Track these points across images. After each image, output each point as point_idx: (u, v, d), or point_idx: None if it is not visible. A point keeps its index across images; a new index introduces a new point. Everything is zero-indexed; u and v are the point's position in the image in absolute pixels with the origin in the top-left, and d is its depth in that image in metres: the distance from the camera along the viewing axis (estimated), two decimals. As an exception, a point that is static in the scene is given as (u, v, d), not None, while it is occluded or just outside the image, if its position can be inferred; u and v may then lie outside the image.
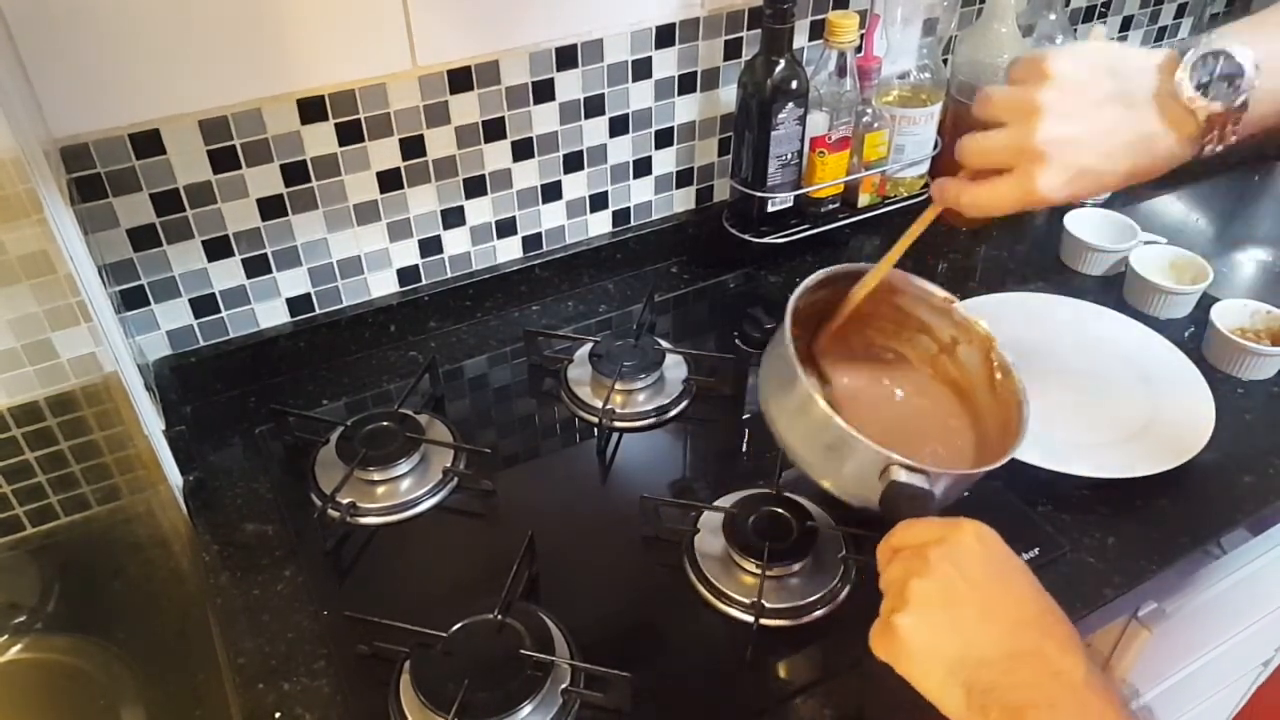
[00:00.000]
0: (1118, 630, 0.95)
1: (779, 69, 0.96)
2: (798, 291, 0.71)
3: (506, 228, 1.03)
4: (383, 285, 1.00)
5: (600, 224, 1.09)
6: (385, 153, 0.91)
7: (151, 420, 0.80)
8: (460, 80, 0.91)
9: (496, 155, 0.97)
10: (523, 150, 0.98)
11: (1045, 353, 0.96)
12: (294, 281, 0.95)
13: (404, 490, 0.83)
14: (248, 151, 0.85)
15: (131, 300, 0.88)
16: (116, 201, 0.82)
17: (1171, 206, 1.30)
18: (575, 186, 1.04)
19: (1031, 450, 0.81)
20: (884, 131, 1.06)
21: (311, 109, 0.85)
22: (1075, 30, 1.23)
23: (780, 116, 0.98)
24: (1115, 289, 1.07)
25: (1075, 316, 1.02)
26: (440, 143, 0.93)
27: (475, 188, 0.98)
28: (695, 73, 1.03)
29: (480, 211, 1.00)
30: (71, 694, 0.86)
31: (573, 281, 1.09)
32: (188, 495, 0.84)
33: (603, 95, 0.99)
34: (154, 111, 0.80)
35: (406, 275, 1.00)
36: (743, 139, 1.03)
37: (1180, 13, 1.39)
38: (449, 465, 0.85)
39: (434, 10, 0.85)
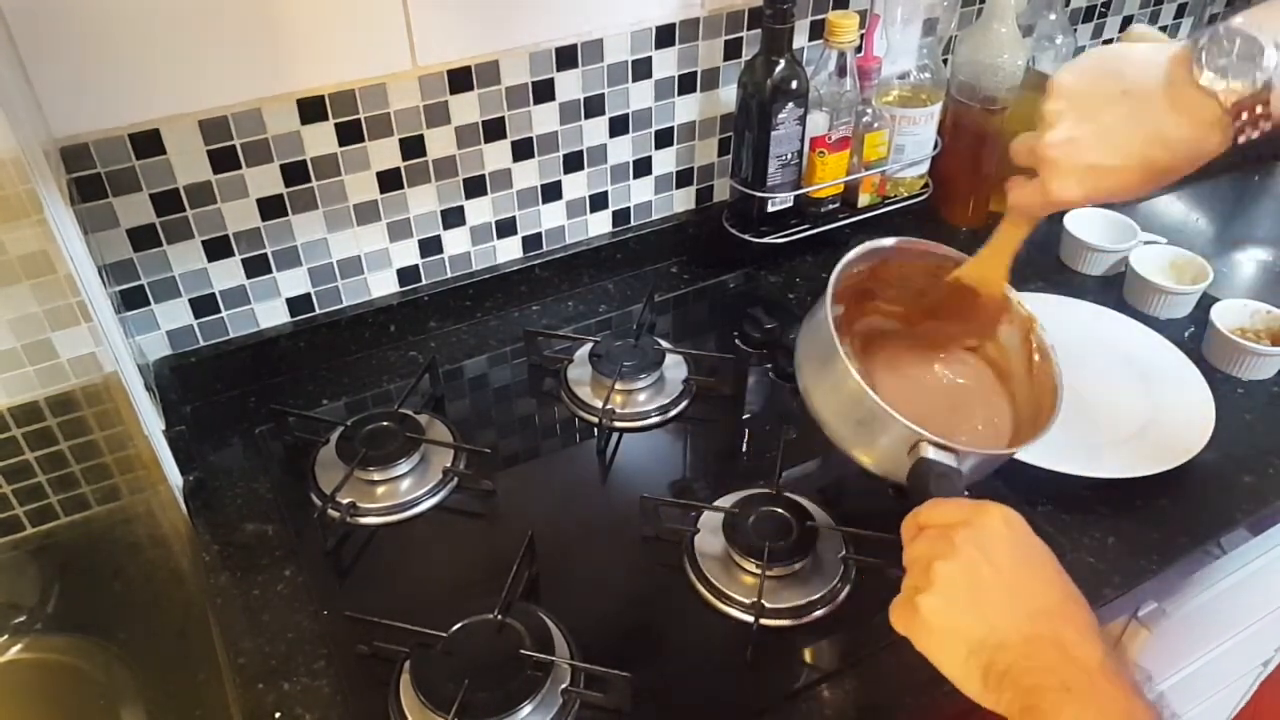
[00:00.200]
0: (1118, 630, 0.95)
1: (779, 69, 0.96)
2: (841, 264, 0.71)
3: (506, 228, 1.03)
4: (383, 285, 1.00)
5: (600, 224, 1.09)
6: (385, 153, 0.91)
7: (151, 420, 0.80)
8: (460, 80, 0.91)
9: (496, 155, 0.97)
10: (523, 150, 0.98)
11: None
12: (294, 281, 0.95)
13: (404, 490, 0.83)
14: (248, 151, 0.85)
15: (131, 300, 0.88)
16: (116, 201, 0.82)
17: (1171, 206, 1.30)
18: (575, 186, 1.04)
19: (1031, 450, 0.81)
20: (884, 131, 1.06)
21: (312, 109, 0.85)
22: (1075, 30, 1.23)
23: (780, 116, 0.98)
24: (1115, 289, 1.07)
25: (1075, 317, 1.02)
26: (440, 143, 0.93)
27: (475, 188, 0.98)
28: (695, 73, 1.03)
29: (480, 211, 1.00)
30: (71, 694, 0.86)
31: (573, 281, 1.09)
32: (188, 495, 0.84)
33: (603, 95, 0.99)
34: (154, 111, 0.80)
35: (406, 275, 1.00)
36: (743, 139, 1.03)
37: (1180, 13, 1.39)
38: (449, 465, 0.85)
39: (434, 10, 0.85)
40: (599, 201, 1.07)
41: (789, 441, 0.85)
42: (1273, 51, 0.56)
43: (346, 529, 0.81)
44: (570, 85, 0.97)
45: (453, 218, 0.99)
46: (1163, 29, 1.40)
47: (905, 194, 1.14)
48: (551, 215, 1.05)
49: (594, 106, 0.99)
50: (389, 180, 0.93)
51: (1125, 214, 1.11)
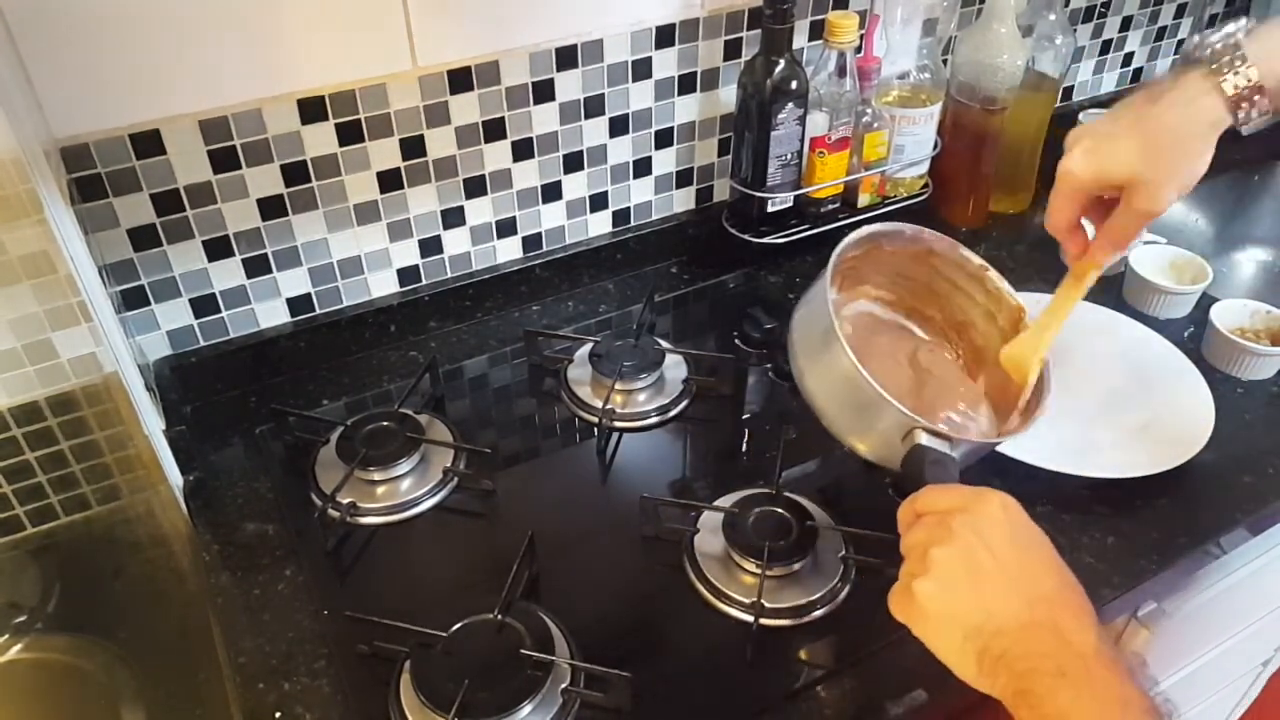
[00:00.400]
0: (1117, 630, 0.95)
1: (779, 69, 0.96)
2: (839, 248, 0.71)
3: (506, 228, 1.03)
4: (383, 285, 1.00)
5: (600, 224, 1.09)
6: (385, 153, 0.91)
7: (152, 420, 0.80)
8: (460, 80, 0.91)
9: (496, 155, 0.97)
10: (523, 150, 0.98)
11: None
12: (294, 281, 0.95)
13: (404, 490, 0.83)
14: (248, 151, 0.85)
15: (132, 300, 0.88)
16: (117, 201, 0.82)
17: (1171, 206, 1.30)
18: (575, 187, 1.04)
19: (1031, 450, 0.82)
20: (884, 132, 1.06)
21: (312, 109, 0.85)
22: (1075, 30, 1.23)
23: (780, 117, 0.98)
24: (1114, 289, 1.07)
25: (1074, 316, 1.01)
26: (440, 143, 0.93)
27: (475, 188, 0.98)
28: (695, 73, 1.03)
29: (480, 211, 1.00)
30: (72, 694, 0.86)
31: (573, 281, 1.09)
32: (188, 495, 0.84)
33: (603, 95, 0.99)
34: (154, 112, 0.80)
35: (407, 275, 1.01)
36: (742, 139, 1.03)
37: (1180, 13, 1.39)
38: (449, 465, 0.85)
39: (434, 11, 0.85)
40: (599, 202, 1.07)
41: (789, 441, 0.85)
42: (1244, 36, 0.63)
43: (347, 529, 0.81)
44: (570, 85, 0.97)
45: (453, 218, 0.99)
46: (1162, 29, 1.40)
47: (905, 194, 1.14)
48: (551, 215, 1.05)
49: (594, 107, 0.99)
50: (389, 180, 0.93)
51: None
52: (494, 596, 0.70)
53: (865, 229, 0.73)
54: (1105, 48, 1.36)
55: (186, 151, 0.83)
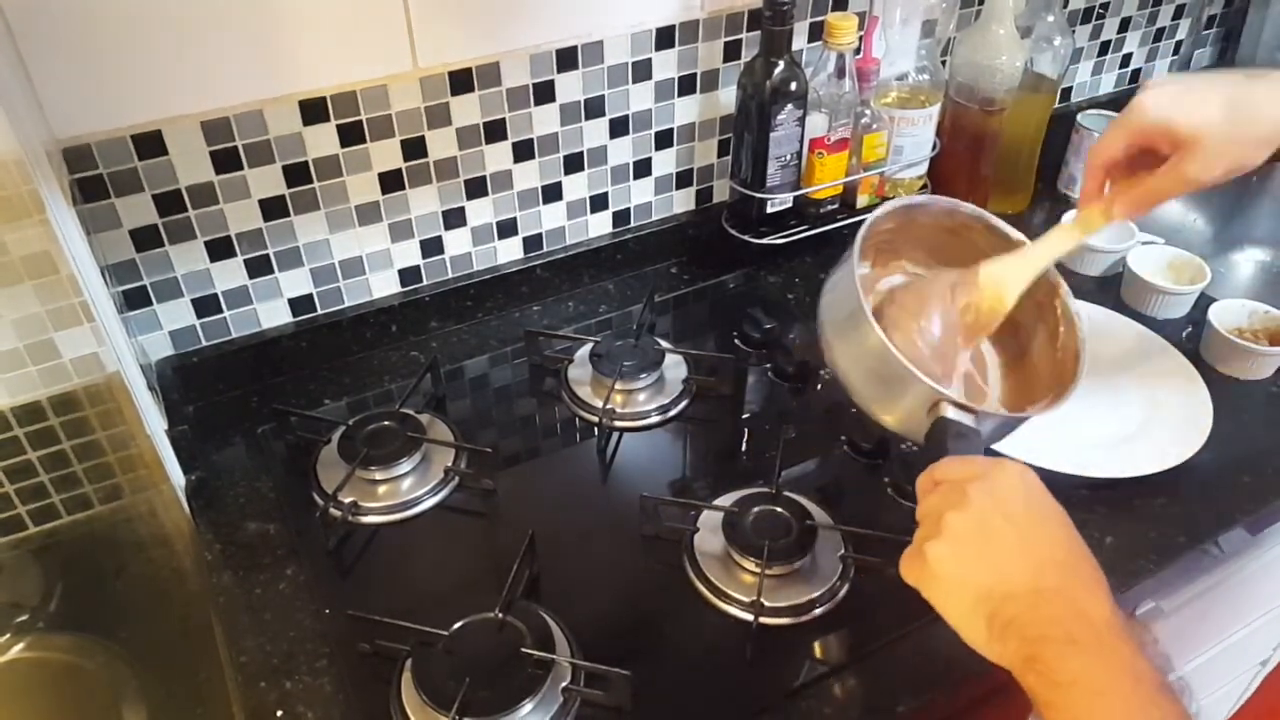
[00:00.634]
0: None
1: (778, 70, 0.97)
2: (870, 220, 0.70)
3: (507, 228, 1.03)
4: (384, 285, 1.00)
5: (600, 225, 1.09)
6: (387, 154, 0.92)
7: (154, 420, 0.80)
8: (461, 82, 0.91)
9: (497, 156, 0.98)
10: (523, 151, 0.99)
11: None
12: (296, 282, 0.95)
13: (405, 489, 0.84)
14: (250, 152, 0.85)
15: (134, 300, 0.88)
16: (119, 202, 0.83)
17: (1170, 206, 1.30)
18: (576, 187, 1.05)
19: (1030, 450, 0.82)
20: (883, 133, 1.06)
21: (313, 110, 0.86)
22: (1073, 32, 1.23)
23: (779, 118, 0.99)
24: (1113, 289, 1.07)
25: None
26: (441, 144, 0.94)
27: (476, 189, 0.99)
28: (695, 74, 1.03)
29: (481, 212, 1.01)
30: (73, 693, 0.86)
31: (573, 282, 1.09)
32: (190, 494, 0.84)
33: (603, 97, 0.99)
34: (156, 112, 0.80)
35: (408, 275, 1.01)
36: (742, 140, 1.03)
37: (1178, 14, 1.39)
38: (450, 465, 0.85)
39: (435, 12, 0.86)
40: (599, 202, 1.07)
41: (788, 441, 0.86)
42: None
43: (348, 528, 0.81)
44: (571, 87, 0.97)
45: (454, 218, 0.99)
46: (1160, 30, 1.40)
47: (904, 195, 1.14)
48: (552, 216, 1.05)
49: (594, 108, 1.00)
50: (390, 181, 0.93)
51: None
52: (495, 595, 0.70)
53: (898, 200, 0.73)
54: (1104, 49, 1.37)
55: (188, 152, 0.83)
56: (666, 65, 1.01)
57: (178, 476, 0.84)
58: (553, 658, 0.67)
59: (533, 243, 1.06)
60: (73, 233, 0.71)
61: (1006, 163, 1.18)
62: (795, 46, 1.03)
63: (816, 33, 1.08)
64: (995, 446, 0.77)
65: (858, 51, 1.02)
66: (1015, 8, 1.08)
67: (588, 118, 1.00)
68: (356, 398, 0.96)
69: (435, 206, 0.97)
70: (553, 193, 1.03)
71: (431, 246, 1.00)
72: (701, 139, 1.09)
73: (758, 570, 0.74)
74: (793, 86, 0.98)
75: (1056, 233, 0.71)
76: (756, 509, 0.78)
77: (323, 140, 0.88)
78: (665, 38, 0.99)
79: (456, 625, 0.69)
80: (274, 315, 0.96)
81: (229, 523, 0.82)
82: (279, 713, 0.68)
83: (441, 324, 1.04)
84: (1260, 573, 1.01)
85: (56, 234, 0.68)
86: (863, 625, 0.73)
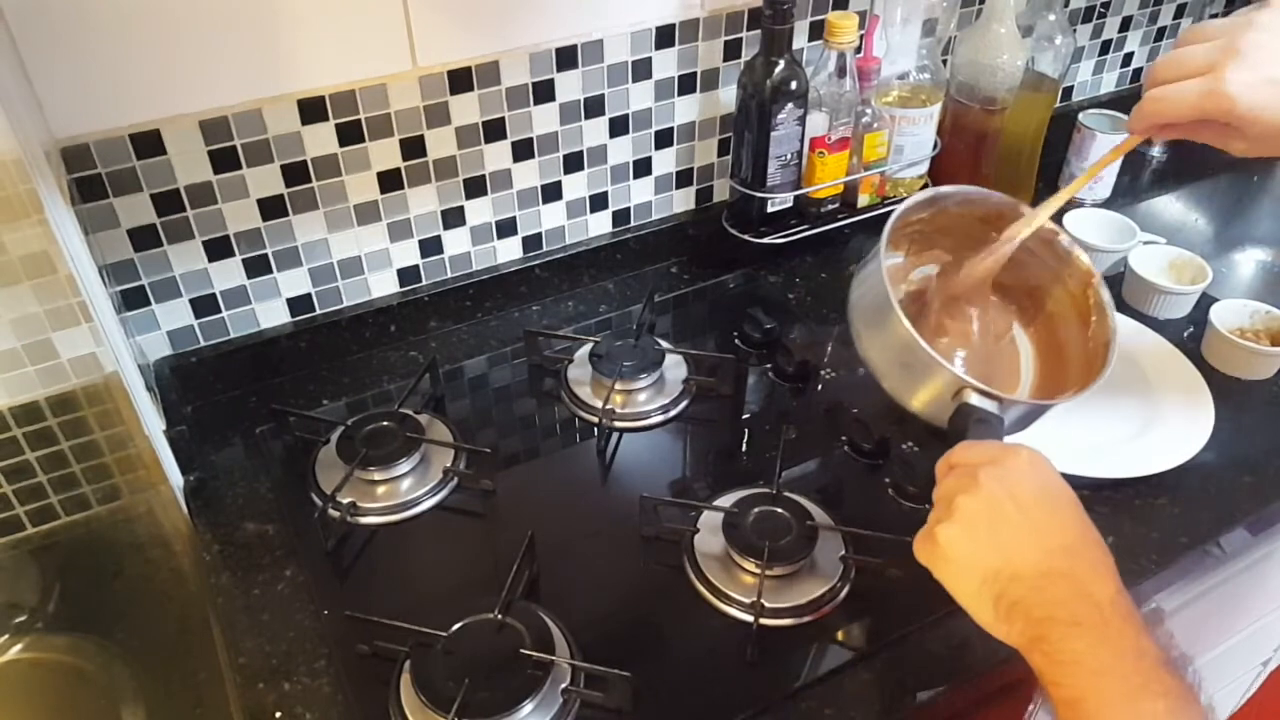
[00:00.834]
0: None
1: (778, 70, 0.96)
2: (899, 210, 0.71)
3: (507, 228, 1.03)
4: (383, 285, 1.00)
5: (600, 224, 1.09)
6: (386, 153, 0.91)
7: (152, 420, 0.80)
8: (460, 81, 0.91)
9: (497, 156, 0.97)
10: (523, 151, 0.98)
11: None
12: (294, 282, 0.95)
13: (404, 490, 0.83)
14: (248, 152, 0.85)
15: (132, 300, 0.88)
16: (117, 202, 0.82)
17: (1171, 206, 1.30)
18: (575, 187, 1.04)
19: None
20: (883, 132, 1.06)
21: (312, 109, 0.86)
22: (1074, 31, 1.23)
23: (780, 117, 0.98)
24: (1114, 289, 1.06)
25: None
26: (441, 143, 0.93)
27: (475, 188, 0.98)
28: (695, 73, 1.03)
29: (480, 212, 1.00)
30: (72, 694, 0.86)
31: (573, 281, 1.09)
32: (188, 495, 0.84)
33: (603, 96, 0.99)
34: (154, 112, 0.80)
35: (407, 275, 1.01)
36: (742, 139, 1.03)
37: (1180, 13, 1.39)
38: (449, 465, 0.85)
39: (434, 11, 0.85)
40: (599, 202, 1.07)
41: (789, 441, 0.85)
42: None
43: (347, 529, 0.81)
44: (570, 86, 0.97)
45: (453, 218, 0.99)
46: (1162, 30, 1.40)
47: (905, 194, 1.14)
48: (552, 215, 1.05)
49: (594, 107, 1.00)
50: (389, 180, 0.93)
51: (1125, 214, 1.11)
52: (494, 596, 0.70)
53: (929, 190, 0.74)
54: (1105, 48, 1.36)
55: (187, 152, 0.83)
56: (666, 64, 1.01)
57: (176, 477, 0.84)
58: (552, 659, 0.67)
59: (532, 242, 1.06)
60: (71, 232, 0.71)
61: (1007, 162, 1.18)
62: (796, 45, 1.02)
63: (817, 32, 1.07)
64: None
65: (858, 50, 1.02)
66: (1016, 7, 1.07)
67: (587, 117, 1.00)
68: (355, 398, 0.96)
69: (434, 206, 0.97)
70: (552, 192, 1.03)
71: (430, 246, 1.00)
72: (702, 138, 1.09)
73: (758, 571, 0.73)
74: (793, 85, 0.97)
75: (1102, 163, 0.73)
76: (757, 509, 0.78)
77: (321, 139, 0.88)
78: (665, 36, 0.99)
79: (456, 626, 0.69)
80: (272, 315, 0.96)
81: (227, 523, 0.82)
82: (278, 714, 0.68)
83: (440, 324, 1.04)
84: (1261, 573, 1.01)
85: (55, 234, 0.68)
86: (863, 626, 0.73)
